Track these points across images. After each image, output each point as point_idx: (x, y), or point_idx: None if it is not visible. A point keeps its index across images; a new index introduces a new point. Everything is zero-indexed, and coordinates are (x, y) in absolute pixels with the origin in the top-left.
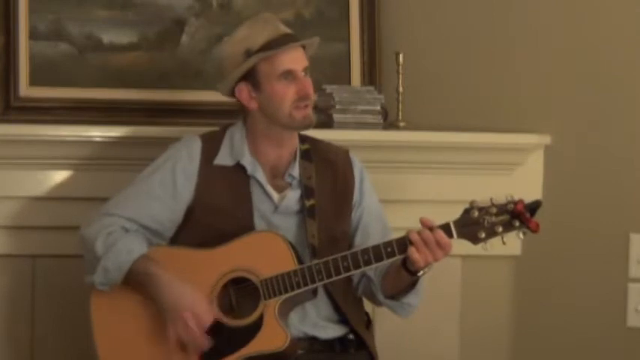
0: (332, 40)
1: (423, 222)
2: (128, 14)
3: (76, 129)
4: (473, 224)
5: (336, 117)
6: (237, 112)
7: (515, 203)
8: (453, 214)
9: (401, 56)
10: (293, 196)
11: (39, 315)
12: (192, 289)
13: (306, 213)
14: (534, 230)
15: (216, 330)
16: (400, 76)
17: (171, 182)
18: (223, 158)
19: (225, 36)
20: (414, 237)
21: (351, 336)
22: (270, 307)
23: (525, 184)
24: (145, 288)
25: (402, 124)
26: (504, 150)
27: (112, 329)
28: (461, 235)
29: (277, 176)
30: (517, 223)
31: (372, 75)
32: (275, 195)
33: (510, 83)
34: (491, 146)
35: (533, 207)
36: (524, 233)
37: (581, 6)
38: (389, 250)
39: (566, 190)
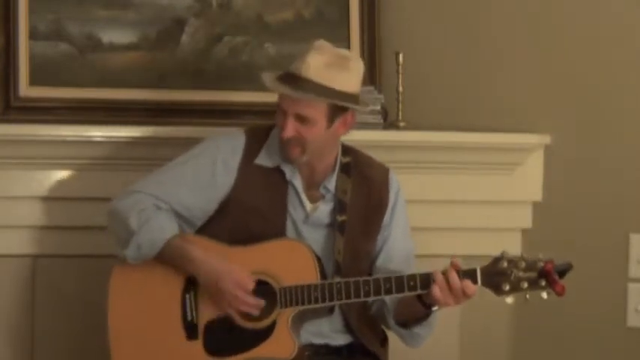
0: (332, 40)
1: (453, 265)
2: (128, 14)
3: (77, 129)
4: (499, 274)
5: None
6: (237, 113)
7: (546, 262)
8: (452, 213)
9: (401, 56)
10: (325, 208)
11: (39, 315)
12: (226, 262)
13: (336, 228)
14: (560, 294)
15: (228, 327)
16: (400, 76)
17: (211, 172)
18: (264, 159)
19: (225, 36)
20: (439, 278)
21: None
22: (285, 315)
23: (525, 184)
24: (179, 264)
25: (402, 124)
26: (504, 150)
27: (127, 305)
28: (485, 284)
29: (312, 186)
30: (543, 283)
31: (372, 75)
32: (308, 205)
33: (510, 83)
34: (491, 146)
35: (564, 270)
36: (548, 293)
37: (581, 6)
38: (411, 283)
39: (566, 190)
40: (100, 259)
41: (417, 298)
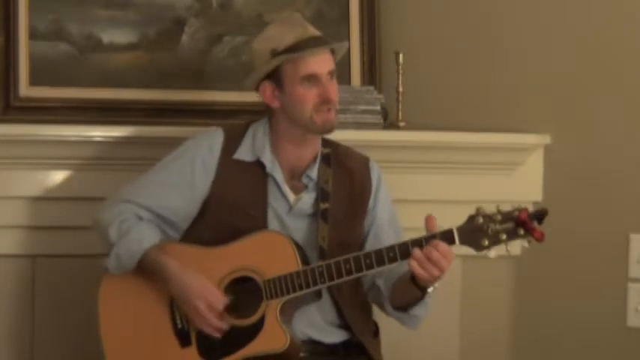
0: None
1: (428, 220)
2: (128, 14)
3: (76, 129)
4: (477, 231)
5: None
6: (237, 113)
7: (521, 211)
8: (452, 213)
9: (401, 56)
10: (308, 198)
11: (39, 315)
12: (201, 278)
13: (319, 215)
14: (539, 239)
15: None
16: (400, 76)
17: (190, 173)
18: (243, 153)
19: (225, 36)
20: (416, 253)
21: (355, 339)
22: (272, 307)
23: (525, 184)
24: (156, 276)
25: (402, 124)
26: (504, 150)
27: (118, 318)
28: (463, 242)
29: (295, 177)
30: (521, 232)
31: (372, 75)
32: (291, 196)
33: (510, 83)
34: (491, 146)
35: (539, 215)
36: (528, 242)
37: (581, 6)
38: (391, 254)
39: (566, 190)
40: (99, 259)
41: (412, 282)
